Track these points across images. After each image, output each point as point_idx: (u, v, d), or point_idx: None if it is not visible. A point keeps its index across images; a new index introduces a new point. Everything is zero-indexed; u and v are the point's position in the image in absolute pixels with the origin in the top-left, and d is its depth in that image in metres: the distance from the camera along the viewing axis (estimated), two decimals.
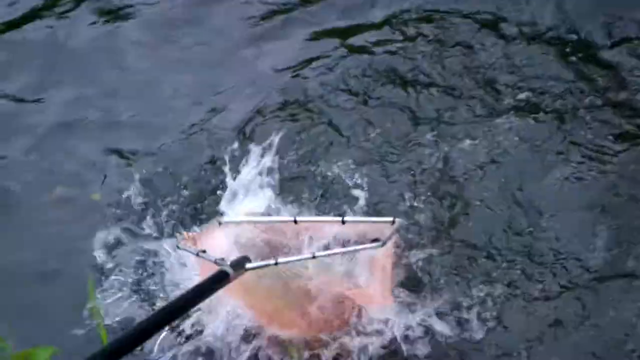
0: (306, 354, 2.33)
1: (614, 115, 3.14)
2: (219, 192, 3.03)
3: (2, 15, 4.47)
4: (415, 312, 2.38)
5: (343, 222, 2.31)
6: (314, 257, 2.13)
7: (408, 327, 2.34)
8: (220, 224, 2.46)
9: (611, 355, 2.33)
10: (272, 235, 2.44)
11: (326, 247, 2.31)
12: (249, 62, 3.97)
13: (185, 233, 2.40)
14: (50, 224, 3.18)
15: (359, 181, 3.02)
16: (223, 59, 4.02)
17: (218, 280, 1.96)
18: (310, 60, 3.78)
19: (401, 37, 3.79)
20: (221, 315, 2.36)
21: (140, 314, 2.54)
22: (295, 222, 2.37)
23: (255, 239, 2.46)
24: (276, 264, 2.09)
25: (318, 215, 2.78)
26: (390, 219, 2.26)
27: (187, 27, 4.24)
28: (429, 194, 2.92)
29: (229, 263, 2.04)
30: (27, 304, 2.81)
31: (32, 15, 4.43)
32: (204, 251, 2.20)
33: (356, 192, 2.95)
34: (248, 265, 2.09)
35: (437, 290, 2.50)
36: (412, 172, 3.05)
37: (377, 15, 3.98)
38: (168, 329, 2.36)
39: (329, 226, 2.36)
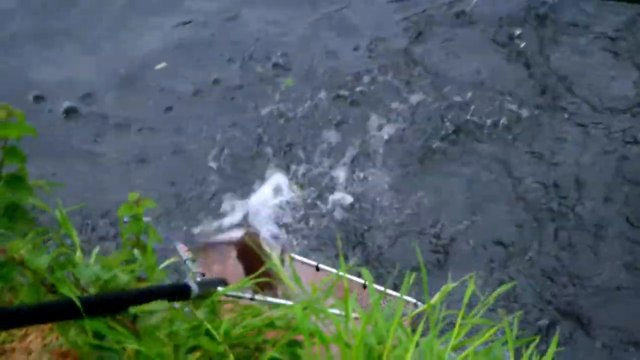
0: None
1: None
2: None
3: None
4: None
5: (317, 268, 2.39)
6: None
7: None
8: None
9: None
10: None
11: None
12: None
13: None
14: None
15: None
16: None
17: (178, 293, 1.75)
18: None
19: None
20: None
21: None
22: (318, 269, 2.41)
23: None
24: (252, 299, 1.92)
25: None
26: (414, 300, 2.25)
27: None
28: None
29: (198, 280, 1.85)
30: None
31: None
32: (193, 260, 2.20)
33: None
34: (219, 289, 1.88)
35: None
36: None
37: None
38: None
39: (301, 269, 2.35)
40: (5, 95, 4.20)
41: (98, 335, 1.69)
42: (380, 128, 4.15)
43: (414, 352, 1.53)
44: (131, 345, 1.58)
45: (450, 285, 1.75)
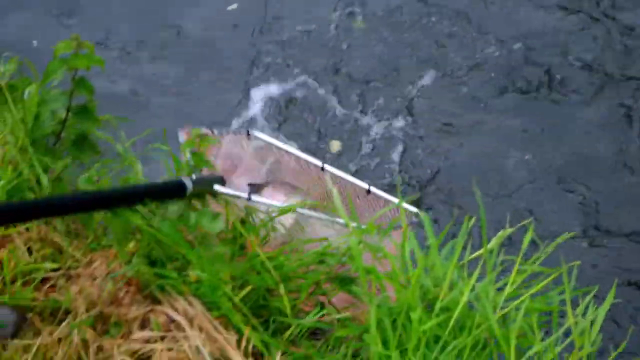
0: None
1: None
2: None
3: None
4: None
5: (368, 192, 2.20)
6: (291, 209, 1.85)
7: None
8: (249, 134, 2.35)
9: None
10: (297, 171, 2.34)
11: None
12: None
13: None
14: None
15: None
16: None
17: (172, 190, 1.70)
18: None
19: None
20: None
21: None
22: (323, 169, 2.26)
23: (281, 166, 2.36)
24: (249, 199, 1.85)
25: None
26: (415, 209, 2.07)
27: None
28: None
29: (194, 177, 1.77)
30: None
31: None
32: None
33: None
34: (216, 187, 1.82)
35: None
36: None
37: None
38: None
39: (351, 189, 2.23)
40: None
41: (159, 263, 1.75)
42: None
43: (469, 296, 1.54)
44: (194, 273, 1.62)
45: (508, 230, 1.73)
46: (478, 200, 1.60)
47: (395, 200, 2.10)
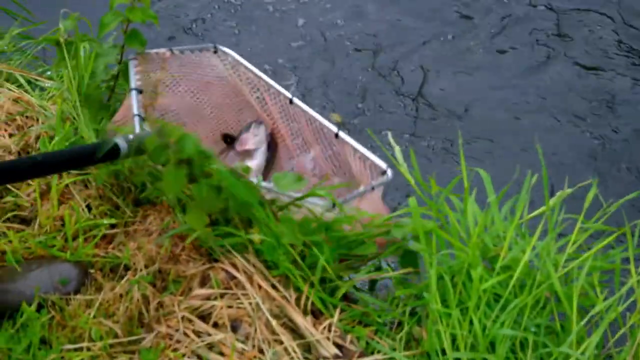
0: None
1: None
2: None
3: None
4: None
5: (337, 135, 2.11)
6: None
7: None
8: (216, 51, 2.26)
9: None
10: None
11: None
12: None
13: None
14: None
15: None
16: None
17: (107, 152, 1.55)
18: None
19: None
20: None
21: None
22: (291, 102, 2.19)
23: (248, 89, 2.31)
24: None
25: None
26: (385, 166, 1.95)
27: None
28: None
29: (130, 136, 1.60)
30: None
31: None
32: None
33: None
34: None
35: None
36: None
37: None
38: None
39: (319, 132, 2.19)
40: None
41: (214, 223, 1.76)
42: None
43: (530, 255, 1.52)
44: (257, 236, 1.62)
45: (568, 190, 1.69)
46: (540, 158, 1.57)
47: (362, 148, 2.03)
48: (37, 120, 2.14)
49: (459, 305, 1.50)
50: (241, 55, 2.33)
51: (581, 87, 3.68)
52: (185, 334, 1.57)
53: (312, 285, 1.64)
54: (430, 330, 1.52)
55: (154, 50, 2.14)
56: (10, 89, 2.28)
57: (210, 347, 1.55)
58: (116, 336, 1.56)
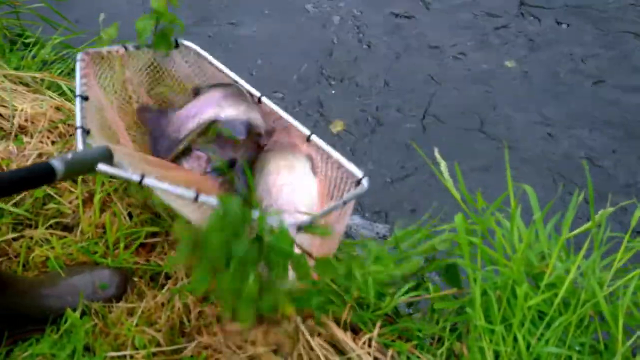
0: None
1: None
2: None
3: None
4: None
5: (308, 139, 1.87)
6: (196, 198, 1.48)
7: None
8: (177, 45, 2.03)
9: None
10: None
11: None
12: None
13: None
14: None
15: None
16: None
17: (38, 175, 1.38)
18: None
19: None
20: None
21: None
22: (260, 100, 1.94)
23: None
24: (140, 182, 1.47)
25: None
26: (361, 174, 1.73)
27: None
28: None
29: (69, 156, 1.43)
30: None
31: None
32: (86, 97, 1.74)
33: None
34: (100, 167, 1.47)
35: None
36: None
37: None
38: None
39: (288, 134, 1.93)
40: None
41: None
42: None
43: (575, 273, 1.50)
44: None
45: (609, 209, 1.68)
46: (587, 174, 1.55)
47: (336, 154, 1.80)
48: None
49: (503, 322, 1.49)
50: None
51: (626, 103, 3.64)
52: (227, 346, 1.58)
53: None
54: (472, 346, 1.51)
55: (106, 48, 1.92)
56: (52, 97, 2.32)
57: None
58: (158, 345, 1.57)
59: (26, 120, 2.16)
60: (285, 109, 1.93)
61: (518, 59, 3.89)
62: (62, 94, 2.36)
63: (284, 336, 1.61)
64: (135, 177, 1.46)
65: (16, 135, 2.12)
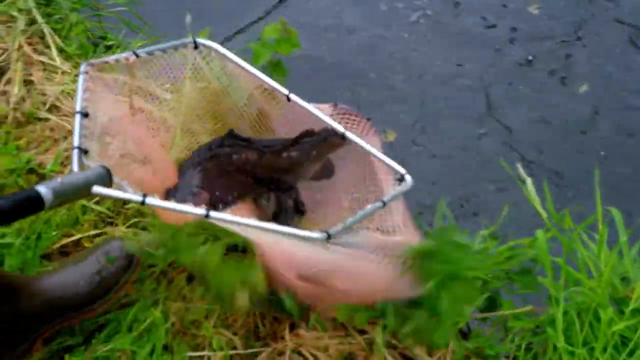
0: None
1: None
2: None
3: None
4: None
5: (343, 137, 1.66)
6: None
7: None
8: (196, 46, 1.76)
9: None
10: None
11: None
12: None
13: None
14: None
15: None
16: None
17: (26, 204, 1.22)
18: None
19: None
20: None
21: None
22: (289, 99, 1.70)
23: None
24: (142, 203, 1.34)
25: None
26: (403, 171, 1.55)
27: None
28: None
29: (59, 180, 1.27)
30: None
31: None
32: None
33: None
34: (95, 190, 1.31)
35: None
36: None
37: None
38: None
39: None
40: None
41: None
42: None
43: None
44: None
45: None
46: None
47: (374, 150, 1.61)
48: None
49: (584, 345, 1.47)
50: None
51: None
52: (300, 353, 1.59)
53: None
54: None
55: (113, 57, 1.71)
56: None
57: None
58: (234, 347, 1.60)
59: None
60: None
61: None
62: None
63: (357, 347, 1.61)
64: (137, 198, 1.34)
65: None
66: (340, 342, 1.63)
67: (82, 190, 1.31)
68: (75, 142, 1.47)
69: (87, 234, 1.86)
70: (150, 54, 1.74)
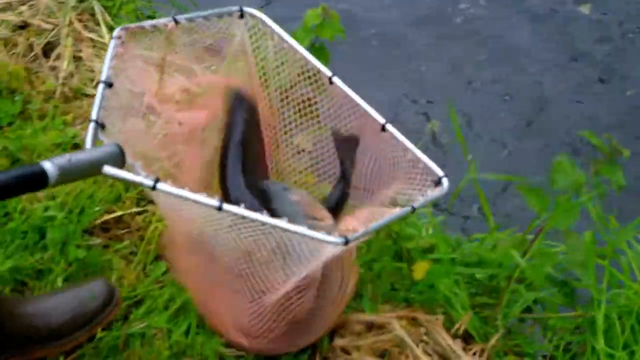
0: None
1: None
2: None
3: None
4: None
5: (383, 129, 1.51)
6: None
7: None
8: (242, 15, 1.62)
9: None
10: None
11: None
12: None
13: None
14: None
15: None
16: None
17: (28, 181, 1.15)
18: None
19: None
20: None
21: None
22: (331, 81, 1.57)
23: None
24: (153, 188, 1.19)
25: None
26: (441, 173, 1.41)
27: None
28: None
29: (68, 157, 1.17)
30: None
31: None
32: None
33: None
34: (105, 170, 1.19)
35: None
36: None
37: None
38: None
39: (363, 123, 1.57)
40: None
41: None
42: None
43: None
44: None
45: None
46: None
47: (414, 147, 1.48)
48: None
49: (625, 348, 1.44)
50: None
51: None
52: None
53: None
54: None
55: (150, 22, 1.54)
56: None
57: None
58: None
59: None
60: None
61: None
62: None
63: (390, 344, 1.60)
64: (148, 182, 1.21)
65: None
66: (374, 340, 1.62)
67: (92, 169, 1.21)
68: (94, 115, 1.31)
69: (128, 210, 1.88)
70: (191, 20, 1.58)
